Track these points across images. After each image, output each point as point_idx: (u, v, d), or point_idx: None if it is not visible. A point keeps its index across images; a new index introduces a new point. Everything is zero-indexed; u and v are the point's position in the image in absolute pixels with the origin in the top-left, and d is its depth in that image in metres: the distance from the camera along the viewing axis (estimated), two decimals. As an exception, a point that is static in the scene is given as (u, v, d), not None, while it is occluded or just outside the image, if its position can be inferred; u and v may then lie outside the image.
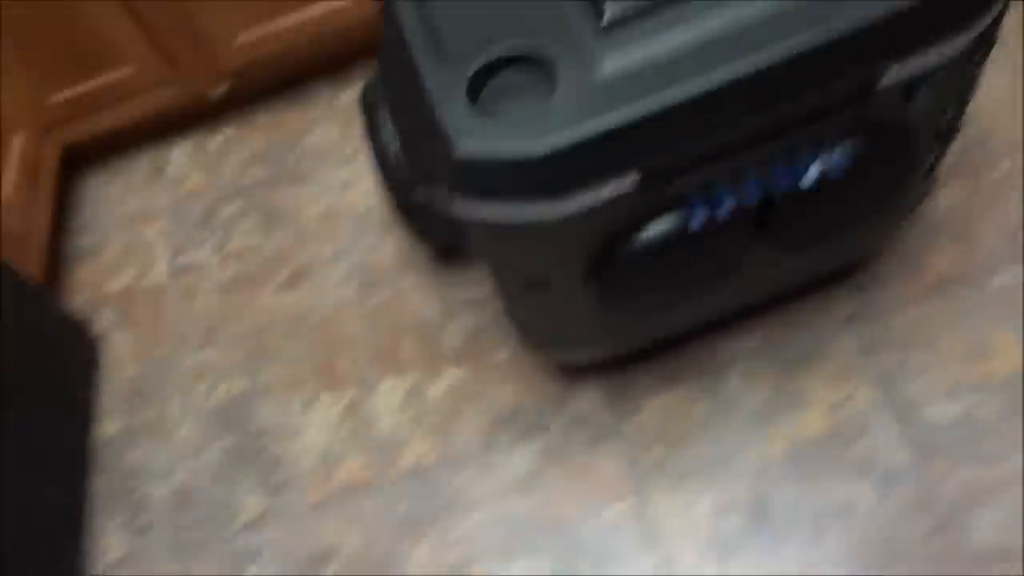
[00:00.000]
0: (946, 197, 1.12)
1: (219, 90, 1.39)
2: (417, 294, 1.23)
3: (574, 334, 0.94)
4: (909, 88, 0.74)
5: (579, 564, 0.98)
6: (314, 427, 1.15)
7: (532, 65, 0.73)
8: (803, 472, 0.98)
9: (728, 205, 0.76)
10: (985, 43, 0.75)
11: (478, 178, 0.71)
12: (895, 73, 0.72)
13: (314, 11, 1.30)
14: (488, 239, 0.78)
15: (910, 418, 0.99)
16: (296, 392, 1.18)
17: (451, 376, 1.15)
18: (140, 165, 1.49)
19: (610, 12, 0.72)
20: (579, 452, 1.05)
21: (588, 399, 1.08)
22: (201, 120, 1.50)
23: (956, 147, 1.16)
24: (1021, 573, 0.88)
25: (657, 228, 0.77)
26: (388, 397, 1.15)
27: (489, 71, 0.73)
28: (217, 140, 1.47)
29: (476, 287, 1.21)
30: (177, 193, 1.44)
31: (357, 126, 1.42)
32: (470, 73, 0.72)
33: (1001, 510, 0.92)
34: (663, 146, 0.71)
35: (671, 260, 0.81)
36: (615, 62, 0.70)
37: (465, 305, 1.20)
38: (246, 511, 1.11)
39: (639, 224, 0.77)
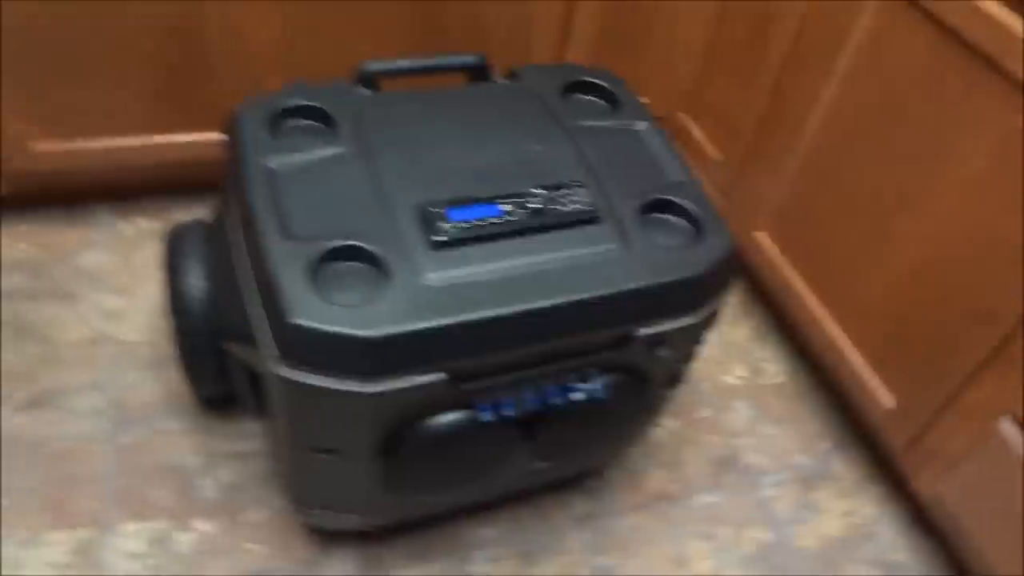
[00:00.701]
0: (661, 430, 1.34)
1: (-3, 189, 1.33)
2: (176, 439, 1.20)
3: (345, 500, 0.99)
4: (655, 343, 0.93)
5: None
6: (33, 567, 1.06)
7: (370, 261, 0.83)
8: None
9: (508, 411, 0.89)
10: (708, 322, 0.98)
11: (304, 348, 0.78)
12: (648, 331, 0.91)
13: (132, 141, 1.31)
14: (292, 402, 0.84)
15: (621, 613, 1.13)
16: (15, 526, 1.09)
17: (200, 530, 1.12)
18: None
19: (439, 236, 0.85)
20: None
21: (339, 568, 1.11)
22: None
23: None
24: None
25: (446, 420, 0.88)
26: (128, 542, 1.09)
27: (331, 256, 0.82)
28: (-20, 240, 1.38)
29: (241, 441, 1.22)
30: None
31: (137, 260, 1.41)
32: (314, 254, 0.81)
33: None
34: (467, 350, 0.83)
35: (449, 450, 0.91)
36: (438, 276, 0.83)
37: (227, 458, 1.20)
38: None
39: (432, 413, 0.87)
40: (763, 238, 1.40)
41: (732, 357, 1.47)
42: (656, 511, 1.24)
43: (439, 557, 1.14)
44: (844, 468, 1.34)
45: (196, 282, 1.07)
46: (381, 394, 0.81)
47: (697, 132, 1.55)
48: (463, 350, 0.82)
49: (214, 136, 1.34)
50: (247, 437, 1.22)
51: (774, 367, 1.47)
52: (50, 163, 1.31)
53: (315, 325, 0.77)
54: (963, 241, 1.05)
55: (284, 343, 0.79)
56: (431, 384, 0.83)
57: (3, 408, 1.19)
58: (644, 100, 1.09)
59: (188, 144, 1.36)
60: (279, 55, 1.28)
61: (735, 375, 1.44)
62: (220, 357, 1.09)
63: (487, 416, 0.88)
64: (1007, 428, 1.03)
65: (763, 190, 1.37)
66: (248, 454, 1.20)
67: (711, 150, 1.51)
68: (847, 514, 1.29)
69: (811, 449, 1.36)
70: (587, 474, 1.25)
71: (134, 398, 1.24)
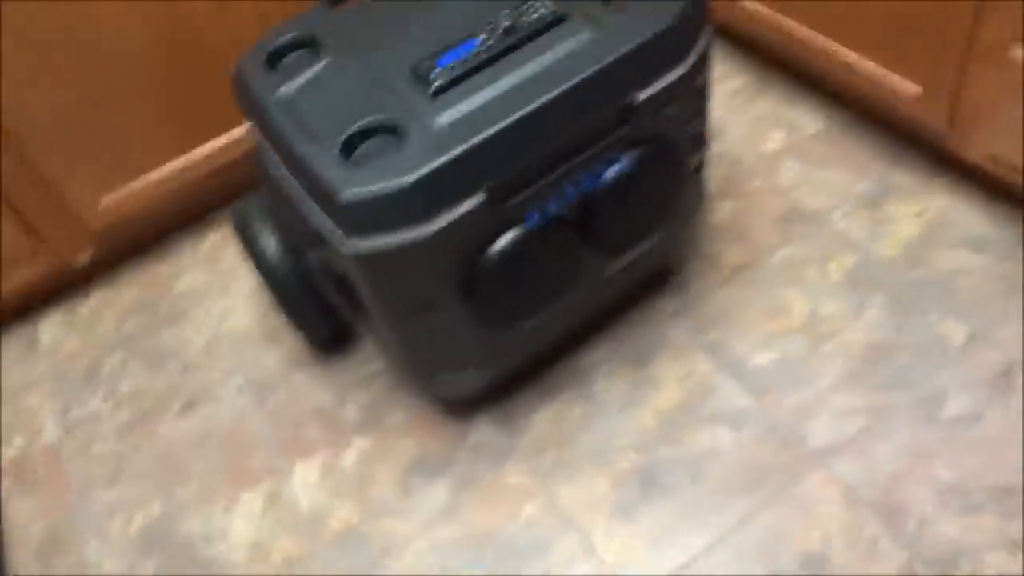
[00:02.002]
0: (722, 212, 1.41)
1: (85, 257, 1.49)
2: (309, 387, 1.35)
3: (456, 355, 1.11)
4: (659, 106, 1.00)
5: (512, 560, 1.10)
6: (239, 525, 1.22)
7: (385, 131, 0.93)
8: (672, 436, 1.17)
9: (554, 210, 0.98)
10: (702, 67, 1.04)
11: (362, 217, 0.89)
12: (645, 94, 0.98)
13: (174, 165, 1.46)
14: (377, 273, 0.95)
15: (741, 372, 1.21)
16: (214, 500, 1.25)
17: (357, 446, 1.26)
18: (11, 342, 1.54)
19: (435, 84, 0.94)
20: (486, 474, 1.19)
21: (482, 430, 1.24)
22: (69, 288, 1.58)
23: (719, 176, 1.46)
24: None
25: (504, 241, 0.98)
26: (303, 479, 1.24)
27: (353, 141, 0.93)
28: (88, 304, 1.56)
29: (361, 367, 1.35)
30: (55, 359, 1.50)
31: (223, 263, 1.56)
32: (340, 142, 0.92)
33: (824, 417, 1.14)
34: (494, 167, 0.92)
35: (520, 269, 1.01)
36: (446, 116, 0.92)
37: (356, 385, 1.33)
38: (188, 617, 1.15)
39: (492, 238, 0.97)
40: (753, 3, 1.43)
41: (765, 126, 1.52)
42: (741, 280, 1.31)
43: (564, 389, 1.25)
44: (903, 178, 1.38)
45: (268, 239, 1.21)
46: (438, 231, 0.92)
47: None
48: (489, 167, 0.91)
49: (240, 129, 1.49)
50: (366, 363, 1.36)
51: (808, 120, 1.51)
52: (119, 213, 1.46)
53: (360, 194, 0.88)
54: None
55: (344, 222, 0.91)
56: (476, 208, 0.92)
57: (167, 419, 1.36)
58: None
59: (222, 147, 1.49)
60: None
61: (774, 140, 1.49)
62: (314, 294, 1.22)
63: (536, 222, 0.97)
64: (1019, 54, 1.05)
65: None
66: (371, 375, 1.34)
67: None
68: (920, 214, 1.33)
69: (867, 175, 1.40)
70: (668, 272, 1.33)
71: (264, 370, 1.39)
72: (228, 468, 1.28)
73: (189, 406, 1.37)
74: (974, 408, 1.12)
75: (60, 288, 1.58)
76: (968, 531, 1.03)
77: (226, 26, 1.36)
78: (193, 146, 1.48)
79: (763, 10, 1.42)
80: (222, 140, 1.49)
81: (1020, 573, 1.00)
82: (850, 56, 1.31)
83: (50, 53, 1.25)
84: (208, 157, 1.49)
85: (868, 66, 1.29)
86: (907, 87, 1.24)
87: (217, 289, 1.53)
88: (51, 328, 1.55)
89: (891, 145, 1.43)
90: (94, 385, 1.44)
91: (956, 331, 1.19)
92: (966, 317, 1.20)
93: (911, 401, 1.14)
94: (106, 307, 1.55)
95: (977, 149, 1.20)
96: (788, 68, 1.57)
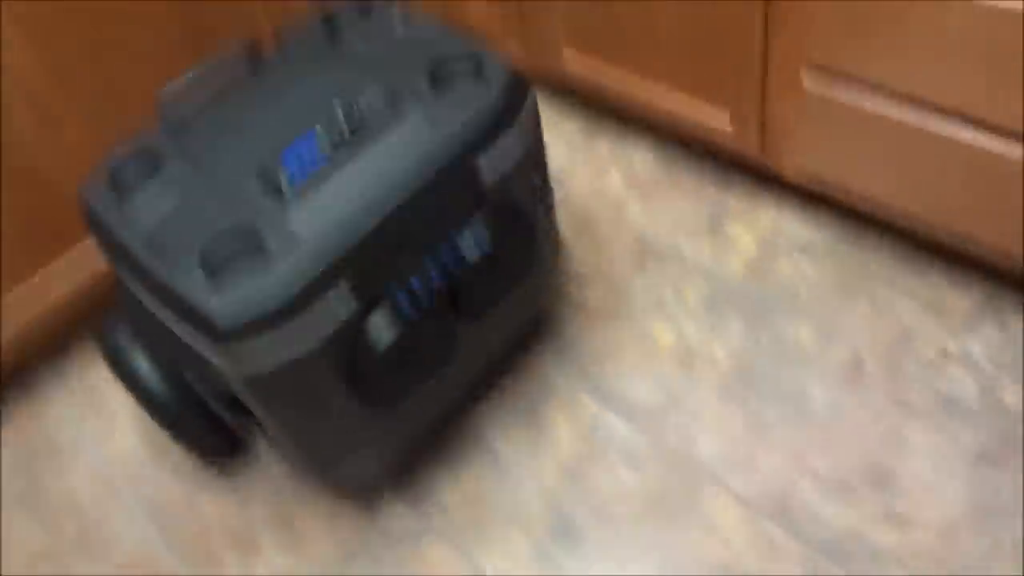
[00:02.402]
0: (577, 255, 1.49)
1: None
2: (216, 507, 1.30)
3: (355, 441, 1.12)
4: (505, 182, 1.07)
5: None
6: None
7: (242, 239, 0.94)
8: (577, 482, 1.22)
9: (420, 291, 1.02)
10: (533, 139, 1.11)
11: (242, 338, 0.90)
12: (490, 175, 1.04)
13: (15, 295, 1.39)
14: (267, 388, 0.96)
15: (624, 407, 1.29)
16: None
17: (279, 564, 1.24)
18: None
19: (283, 186, 0.96)
20: (406, 556, 1.20)
21: (396, 513, 1.24)
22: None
23: (569, 221, 1.54)
24: None
25: (375, 327, 1.00)
26: (218, 602, 1.21)
27: (211, 253, 0.92)
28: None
29: (263, 472, 1.33)
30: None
31: (91, 385, 1.49)
32: (198, 258, 0.92)
33: (708, 435, 1.23)
34: (359, 265, 0.95)
35: (400, 351, 1.04)
36: (301, 220, 0.94)
37: (262, 492, 1.31)
38: None
39: (367, 329, 1.00)
40: (569, 53, 1.52)
41: (603, 166, 1.61)
42: (609, 319, 1.39)
43: (463, 454, 1.28)
44: (734, 200, 1.51)
45: (141, 362, 1.17)
46: (318, 336, 0.94)
47: (471, 12, 1.67)
48: (355, 266, 0.94)
49: (85, 248, 1.44)
50: (266, 467, 1.33)
51: (640, 156, 1.61)
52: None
53: (232, 308, 0.89)
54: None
55: (218, 337, 0.90)
56: (347, 305, 0.95)
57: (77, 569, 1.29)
58: None
59: (67, 270, 1.44)
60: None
61: (614, 180, 1.59)
62: (199, 411, 1.20)
63: (405, 304, 1.01)
64: (809, 77, 1.18)
65: (547, 12, 1.50)
66: (274, 479, 1.32)
67: (483, 8, 1.62)
68: (753, 230, 1.45)
69: (703, 202, 1.52)
70: (540, 323, 1.40)
71: (164, 498, 1.33)
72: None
73: (83, 553, 1.31)
74: (834, 400, 1.24)
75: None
76: (851, 512, 1.13)
77: (59, 149, 1.32)
78: (32, 273, 1.41)
79: (582, 59, 1.52)
80: (66, 259, 1.43)
81: (899, 541, 1.11)
82: (665, 93, 1.42)
83: None
84: (56, 280, 1.43)
85: (682, 100, 1.40)
86: (719, 116, 1.36)
87: (94, 422, 1.46)
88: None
89: (719, 170, 1.56)
90: (-32, 550, 1.34)
91: (806, 332, 1.31)
92: (811, 317, 1.33)
93: (780, 405, 1.25)
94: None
95: (791, 169, 1.33)
96: (614, 111, 1.69)
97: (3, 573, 1.30)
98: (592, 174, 1.62)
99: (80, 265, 1.44)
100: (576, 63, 1.53)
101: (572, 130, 1.71)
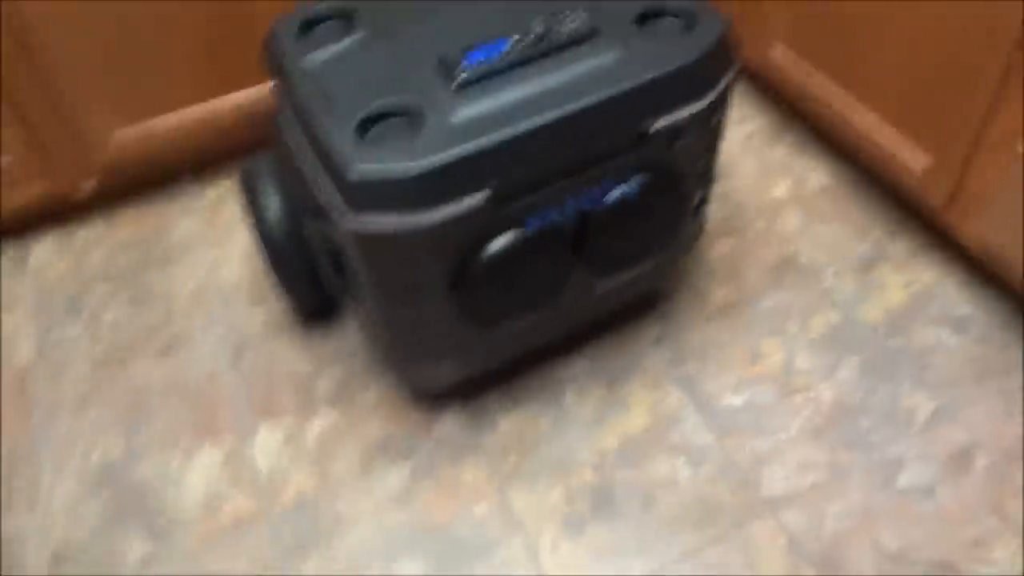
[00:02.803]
0: (718, 249, 1.43)
1: (88, 186, 1.50)
2: (289, 353, 1.36)
3: (436, 346, 1.12)
4: (672, 137, 1.02)
5: (455, 556, 1.12)
6: (195, 475, 1.23)
7: (404, 116, 0.95)
8: (633, 459, 1.19)
9: (553, 220, 1.00)
10: (720, 106, 1.06)
11: (366, 195, 0.91)
12: (660, 124, 1.00)
13: (193, 113, 1.46)
14: (372, 252, 0.97)
15: (709, 409, 1.23)
16: (175, 447, 1.26)
17: (325, 417, 1.28)
18: (1, 259, 1.54)
19: (460, 78, 0.96)
20: (445, 467, 1.21)
21: (450, 423, 1.25)
22: (67, 214, 1.59)
23: (721, 213, 1.48)
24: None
25: (500, 242, 0.99)
26: (267, 441, 1.26)
27: (371, 120, 0.94)
28: (83, 234, 1.57)
29: (342, 342, 1.36)
30: (42, 281, 1.50)
31: (224, 216, 1.57)
32: (358, 119, 0.93)
33: (781, 467, 1.17)
34: (503, 169, 0.94)
35: (511, 272, 1.03)
36: (465, 112, 0.94)
37: (333, 358, 1.35)
38: (130, 557, 1.15)
39: (488, 237, 0.99)
40: (783, 51, 1.45)
41: (775, 173, 1.54)
42: (725, 320, 1.33)
43: (534, 397, 1.27)
44: (898, 247, 1.40)
45: (272, 201, 1.22)
46: (438, 222, 0.93)
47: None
48: (498, 168, 0.93)
49: (263, 88, 1.50)
50: (347, 339, 1.37)
51: (817, 174, 1.53)
52: (131, 149, 1.47)
53: (369, 171, 0.90)
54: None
55: (348, 197, 0.92)
56: (478, 206, 0.94)
57: (143, 359, 1.37)
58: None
59: (243, 103, 1.50)
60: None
61: (780, 188, 1.51)
62: (308, 262, 1.24)
63: (535, 229, 0.99)
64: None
65: (770, 3, 1.43)
66: (351, 352, 1.35)
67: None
68: (908, 284, 1.35)
69: (865, 238, 1.42)
70: (655, 299, 1.35)
71: (246, 329, 1.40)
72: (194, 418, 1.29)
73: (167, 350, 1.38)
74: (928, 482, 1.14)
75: (58, 213, 1.58)
76: (901, 600, 1.05)
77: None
78: (216, 95, 1.49)
79: (792, 59, 1.44)
80: (245, 95, 1.50)
81: None
82: (869, 118, 1.33)
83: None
84: (229, 109, 1.50)
85: (885, 131, 1.31)
86: (918, 158, 1.26)
87: (213, 241, 1.54)
88: (43, 251, 1.55)
89: (892, 212, 1.45)
90: (76, 313, 1.45)
91: (923, 405, 1.22)
92: (935, 393, 1.23)
93: (868, 464, 1.16)
94: (101, 239, 1.56)
95: (972, 232, 1.23)
96: (806, 119, 1.59)
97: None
98: (760, 175, 1.54)
99: (254, 106, 1.51)
100: (785, 59, 1.45)
101: (754, 125, 1.63)
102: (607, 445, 1.21)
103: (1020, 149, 1.08)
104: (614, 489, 1.17)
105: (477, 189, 0.93)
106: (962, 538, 1.09)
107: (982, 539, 1.09)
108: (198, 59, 1.42)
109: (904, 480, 1.15)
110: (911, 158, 1.28)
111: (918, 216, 1.42)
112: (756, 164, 1.56)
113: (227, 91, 1.49)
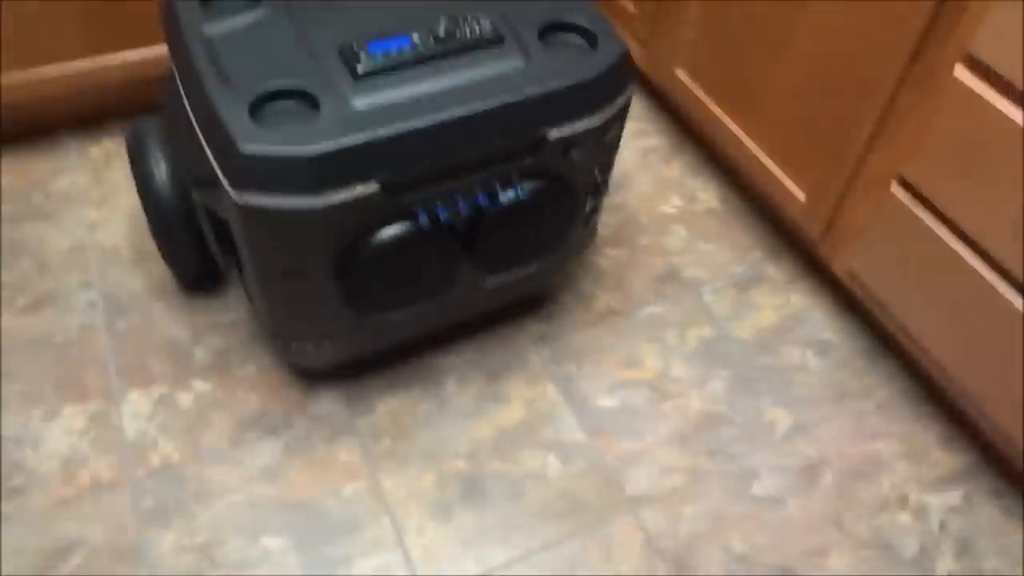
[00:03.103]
0: (607, 257, 1.47)
1: (-35, 127, 1.43)
2: (166, 319, 1.33)
3: (318, 327, 1.12)
4: (567, 146, 1.05)
5: (321, 533, 1.12)
6: (56, 436, 1.19)
7: (300, 98, 0.94)
8: (505, 451, 1.22)
9: (444, 216, 1.01)
10: (615, 124, 1.09)
11: (256, 173, 0.90)
12: (555, 134, 1.02)
13: (83, 63, 1.41)
14: (259, 229, 0.96)
15: (583, 409, 1.27)
16: (37, 406, 1.22)
17: (199, 388, 1.25)
18: None
19: (361, 67, 0.96)
20: (319, 446, 1.21)
21: (327, 402, 1.25)
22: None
23: (614, 223, 1.53)
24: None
25: (389, 231, 1.00)
26: (135, 407, 1.23)
27: (266, 98, 0.93)
28: (-44, 176, 1.49)
29: (224, 313, 1.34)
30: (-95, 223, 1.42)
31: (110, 176, 1.52)
32: (252, 96, 0.92)
33: (645, 469, 1.22)
34: (396, 162, 0.95)
35: (398, 261, 1.04)
36: (362, 101, 0.94)
37: (214, 328, 1.32)
38: (-24, 517, 1.11)
39: (377, 226, 0.99)
40: (683, 76, 1.51)
41: (667, 190, 1.60)
42: (607, 325, 1.38)
43: (414, 383, 1.28)
44: (775, 271, 1.48)
45: (159, 165, 1.19)
46: (326, 207, 0.93)
47: (611, -9, 1.65)
48: (391, 160, 0.94)
49: (158, 50, 1.46)
50: (229, 309, 1.35)
51: (707, 195, 1.59)
52: (16, 94, 1.40)
53: (259, 149, 0.89)
54: (846, 22, 1.16)
55: (236, 171, 0.91)
56: (368, 195, 0.95)
57: (5, 313, 1.31)
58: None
59: (135, 62, 1.46)
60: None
61: (671, 205, 1.57)
62: (193, 230, 1.21)
63: (424, 222, 1.00)
64: (897, 191, 1.16)
65: (676, 30, 1.48)
66: (232, 323, 1.33)
67: (627, 6, 1.61)
68: (780, 307, 1.43)
69: (744, 259, 1.49)
70: (541, 300, 1.39)
71: (123, 291, 1.36)
72: (59, 377, 1.25)
73: (35, 305, 1.33)
74: (779, 492, 1.21)
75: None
76: (741, 601, 1.12)
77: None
78: (108, 50, 1.44)
79: (691, 83, 1.50)
80: (138, 54, 1.46)
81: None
82: (756, 149, 1.40)
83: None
84: (120, 66, 1.45)
85: (769, 163, 1.38)
86: (797, 192, 1.34)
87: (95, 199, 1.49)
88: (-91, 190, 1.47)
89: (772, 237, 1.53)
90: (-60, 259, 1.37)
91: (782, 420, 1.29)
92: (794, 410, 1.30)
93: (726, 473, 1.23)
94: (-25, 184, 1.49)
95: (842, 263, 1.31)
96: (702, 141, 1.66)
97: (-40, 294, 1.34)
98: (653, 190, 1.60)
99: (147, 66, 1.46)
100: (685, 83, 1.51)
101: (654, 142, 1.69)
102: (482, 436, 1.23)
103: (893, 190, 1.16)
104: (484, 479, 1.19)
105: (368, 179, 0.94)
106: (804, 546, 1.17)
107: (821, 548, 1.16)
108: (88, 9, 1.37)
109: (758, 489, 1.22)
110: (790, 190, 1.35)
111: (796, 243, 1.51)
112: (651, 179, 1.61)
113: (116, 48, 1.44)
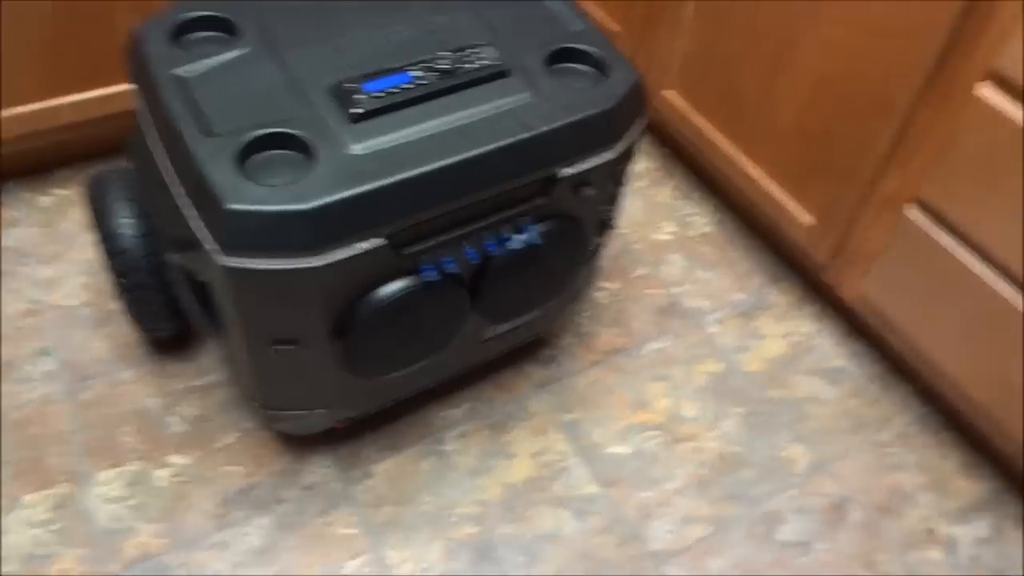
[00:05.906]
0: (604, 291, 1.40)
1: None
2: (135, 386, 1.21)
3: (312, 395, 1.02)
4: (579, 184, 0.98)
5: (321, 621, 1.02)
6: (16, 529, 1.06)
7: (291, 146, 0.85)
8: (516, 512, 1.13)
9: (450, 268, 0.92)
10: (626, 157, 1.02)
11: (245, 233, 0.80)
12: (568, 171, 0.95)
13: (36, 106, 1.29)
14: (248, 293, 0.86)
15: (595, 458, 1.20)
16: (-7, 495, 1.09)
17: (176, 462, 1.14)
18: None
19: (357, 108, 0.87)
20: (313, 519, 1.10)
21: (319, 469, 1.15)
22: None
23: (608, 254, 1.46)
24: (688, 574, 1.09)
25: (393, 288, 0.91)
26: (105, 489, 1.11)
27: (253, 147, 0.84)
28: None
29: (198, 376, 1.23)
30: None
31: (63, 228, 1.39)
32: (238, 145, 0.82)
33: (666, 520, 1.14)
34: (401, 211, 0.86)
35: (402, 319, 0.95)
36: (361, 146, 0.85)
37: (187, 394, 1.21)
38: (-70, 629, 0.98)
39: (379, 283, 0.90)
40: (673, 96, 1.45)
41: (660, 216, 1.53)
42: (610, 365, 1.30)
43: (412, 441, 1.19)
44: (778, 297, 1.42)
45: (125, 220, 1.08)
46: (325, 267, 0.84)
47: (595, 9, 1.58)
48: (396, 210, 0.85)
49: (111, 89, 1.34)
50: (203, 372, 1.24)
51: (701, 219, 1.54)
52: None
53: (249, 207, 0.79)
54: (859, 40, 1.11)
55: (223, 232, 0.81)
56: (372, 251, 0.85)
57: (-48, 389, 1.18)
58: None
59: (87, 102, 1.34)
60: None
61: (665, 232, 1.51)
62: (163, 288, 1.10)
63: (431, 276, 0.91)
64: (914, 214, 1.11)
65: (665, 48, 1.42)
66: (208, 387, 1.22)
67: (611, 24, 1.54)
68: (787, 335, 1.37)
69: (745, 286, 1.44)
70: (540, 342, 1.31)
71: (85, 356, 1.24)
72: (18, 460, 1.12)
73: (-13, 379, 1.20)
74: (806, 536, 1.15)
75: None
76: (781, 659, 1.05)
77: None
78: (64, 92, 1.32)
79: (682, 104, 1.44)
80: (96, 94, 1.34)
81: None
82: (755, 171, 1.34)
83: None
84: (76, 107, 1.33)
85: (770, 185, 1.32)
86: (803, 215, 1.28)
87: (49, 255, 1.36)
88: None
89: (774, 262, 1.47)
90: None
91: (801, 457, 1.23)
92: (811, 445, 1.24)
93: (750, 518, 1.16)
94: (-89, 245, 1.35)
95: (851, 288, 1.25)
96: (693, 163, 1.60)
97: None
98: (645, 216, 1.53)
99: (106, 106, 1.35)
100: (676, 105, 1.45)
101: (643, 166, 1.62)
102: (489, 495, 1.15)
103: (909, 212, 1.11)
104: (496, 544, 1.10)
105: (371, 233, 0.85)
106: (836, 593, 1.10)
107: (854, 593, 1.11)
108: (41, 48, 1.25)
109: (783, 533, 1.15)
110: (795, 214, 1.29)
111: (798, 267, 1.45)
112: (642, 205, 1.54)
113: (75, 89, 1.32)
